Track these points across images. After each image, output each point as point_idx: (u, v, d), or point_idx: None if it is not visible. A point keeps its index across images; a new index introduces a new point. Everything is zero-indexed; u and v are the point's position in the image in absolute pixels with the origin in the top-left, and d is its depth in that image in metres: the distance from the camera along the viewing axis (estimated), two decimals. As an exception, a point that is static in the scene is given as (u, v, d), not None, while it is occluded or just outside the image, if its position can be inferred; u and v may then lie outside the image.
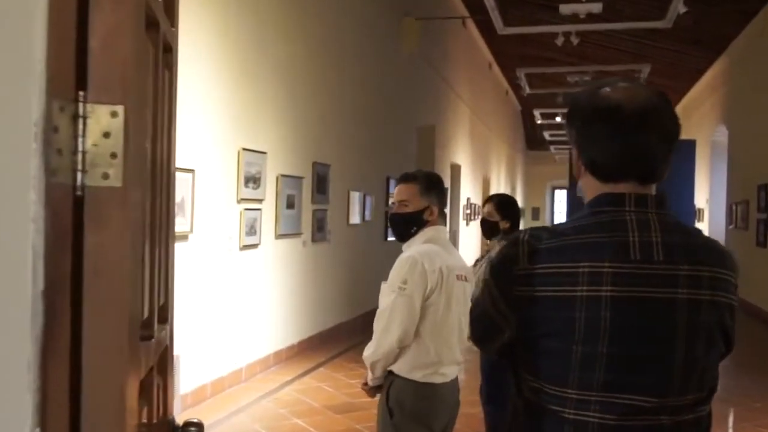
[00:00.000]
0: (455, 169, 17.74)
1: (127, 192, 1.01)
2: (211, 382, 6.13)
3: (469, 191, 19.60)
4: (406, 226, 3.03)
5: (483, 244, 4.74)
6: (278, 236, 7.36)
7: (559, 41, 12.25)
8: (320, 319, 8.54)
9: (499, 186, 26.24)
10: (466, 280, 2.99)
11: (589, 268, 1.34)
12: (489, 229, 4.28)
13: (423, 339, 2.86)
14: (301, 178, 7.87)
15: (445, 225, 3.15)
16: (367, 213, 10.19)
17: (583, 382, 1.34)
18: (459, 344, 2.97)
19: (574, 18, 11.06)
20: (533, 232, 1.42)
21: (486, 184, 23.12)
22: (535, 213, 36.35)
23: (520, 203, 21.90)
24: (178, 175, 5.49)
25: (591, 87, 1.48)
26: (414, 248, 2.92)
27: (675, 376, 1.36)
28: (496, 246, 4.19)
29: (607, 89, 1.43)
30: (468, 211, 19.41)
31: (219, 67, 6.16)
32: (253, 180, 6.74)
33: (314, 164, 8.27)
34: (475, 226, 20.98)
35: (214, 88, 6.08)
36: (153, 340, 1.28)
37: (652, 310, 1.34)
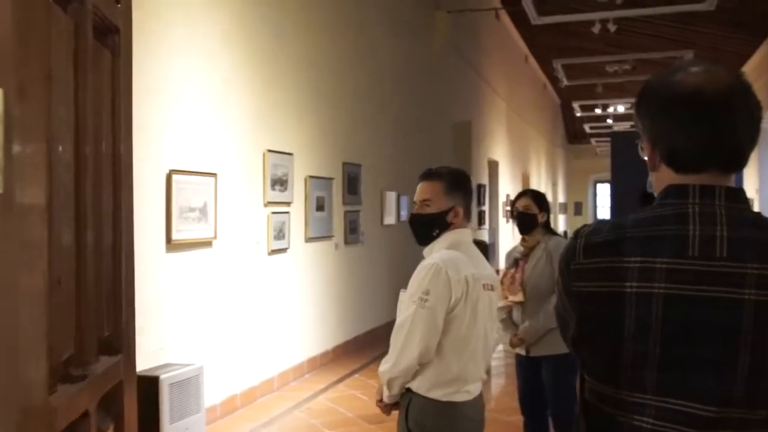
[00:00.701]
0: (493, 166, 17.39)
1: (12, 200, 0.77)
2: (242, 393, 5.94)
3: (508, 187, 19.21)
4: (428, 228, 2.77)
5: (521, 241, 4.39)
6: (308, 239, 7.15)
7: (596, 29, 11.84)
8: (356, 323, 8.31)
9: (539, 181, 25.77)
10: (492, 289, 2.72)
11: (640, 264, 1.29)
12: (528, 223, 4.05)
13: (445, 355, 2.60)
14: (330, 179, 7.65)
15: (470, 228, 2.87)
16: (402, 213, 9.94)
17: (635, 382, 1.29)
18: (485, 359, 2.70)
19: (610, 4, 10.65)
20: (597, 225, 1.39)
21: (525, 180, 22.68)
22: (578, 208, 35.71)
23: (561, 198, 21.81)
24: (200, 179, 5.32)
25: (662, 74, 1.40)
26: (437, 254, 2.66)
27: (739, 384, 1.23)
28: (541, 239, 4.01)
29: (681, 74, 1.35)
30: (507, 208, 19.01)
31: (240, 66, 5.97)
32: (279, 182, 6.54)
33: (344, 164, 8.05)
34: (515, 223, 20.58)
35: (236, 88, 5.89)
36: (86, 380, 1.04)
37: (711, 310, 1.24)
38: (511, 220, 4.70)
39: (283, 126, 6.65)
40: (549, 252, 3.96)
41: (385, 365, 2.66)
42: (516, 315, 4.03)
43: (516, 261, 4.13)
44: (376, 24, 9.18)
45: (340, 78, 7.96)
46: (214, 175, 5.50)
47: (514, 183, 20.43)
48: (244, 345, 5.98)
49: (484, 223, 15.40)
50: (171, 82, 5.05)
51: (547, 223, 4.08)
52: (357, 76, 8.46)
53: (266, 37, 6.38)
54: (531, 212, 4.05)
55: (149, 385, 4.37)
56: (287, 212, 6.69)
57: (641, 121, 1.40)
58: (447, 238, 2.72)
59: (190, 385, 4.60)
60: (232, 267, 5.80)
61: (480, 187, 15.35)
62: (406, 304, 2.60)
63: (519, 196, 4.22)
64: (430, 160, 11.08)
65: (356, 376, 7.09)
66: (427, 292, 2.56)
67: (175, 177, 5.03)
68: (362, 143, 8.61)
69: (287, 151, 6.67)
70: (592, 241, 1.36)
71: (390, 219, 9.49)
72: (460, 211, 2.72)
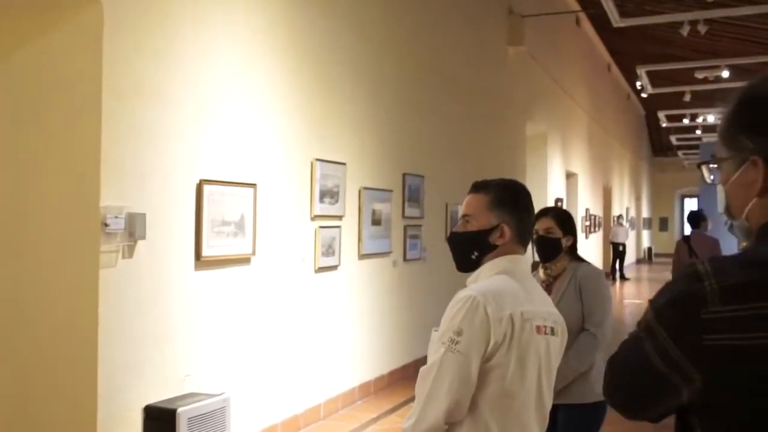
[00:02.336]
0: (572, 178, 16.57)
1: None
2: (283, 422, 5.46)
3: (587, 201, 18.31)
4: (465, 249, 2.22)
5: (542, 269, 3.75)
6: (362, 256, 6.64)
7: (685, 31, 10.96)
8: (415, 346, 7.73)
9: (622, 196, 24.66)
10: (552, 333, 2.13)
11: None
12: (550, 248, 3.47)
13: (481, 415, 2.02)
14: (389, 191, 7.13)
15: (525, 254, 2.28)
16: (469, 228, 9.32)
17: None
18: (538, 422, 2.11)
19: (699, 3, 9.80)
20: (714, 263, 1.15)
21: (607, 193, 21.68)
22: (663, 223, 34.21)
23: (646, 213, 20.72)
24: (236, 190, 4.88)
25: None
26: (476, 285, 2.11)
27: None
28: (567, 267, 3.44)
29: None
30: (587, 223, 18.12)
31: (288, 70, 5.52)
32: (329, 194, 6.06)
33: (405, 176, 7.52)
34: (596, 239, 19.66)
35: (282, 93, 5.44)
36: None
37: None
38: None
39: (335, 134, 6.17)
40: (577, 282, 3.40)
41: (407, 422, 2.11)
42: None
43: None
44: (443, 29, 8.64)
45: (401, 83, 7.44)
46: (253, 185, 5.05)
47: (595, 197, 19.49)
48: (286, 370, 5.50)
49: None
50: (205, 85, 4.63)
51: (573, 248, 3.52)
52: (421, 82, 7.93)
53: (318, 40, 5.93)
54: (554, 236, 3.47)
55: (165, 419, 3.93)
56: (338, 226, 6.20)
57: (743, 135, 1.20)
58: (495, 265, 2.16)
59: (213, 418, 4.13)
60: (272, 285, 5.33)
61: (557, 201, 14.57)
62: (435, 346, 2.05)
63: (539, 215, 3.58)
64: (501, 172, 10.45)
65: (413, 404, 6.51)
66: (458, 332, 1.99)
67: (206, 188, 4.60)
68: (425, 153, 8.07)
69: (339, 160, 6.18)
70: (730, 282, 1.12)
71: (455, 234, 8.90)
72: (509, 232, 2.15)
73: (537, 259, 3.56)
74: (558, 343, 2.16)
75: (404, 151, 7.50)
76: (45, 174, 4.02)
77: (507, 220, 2.16)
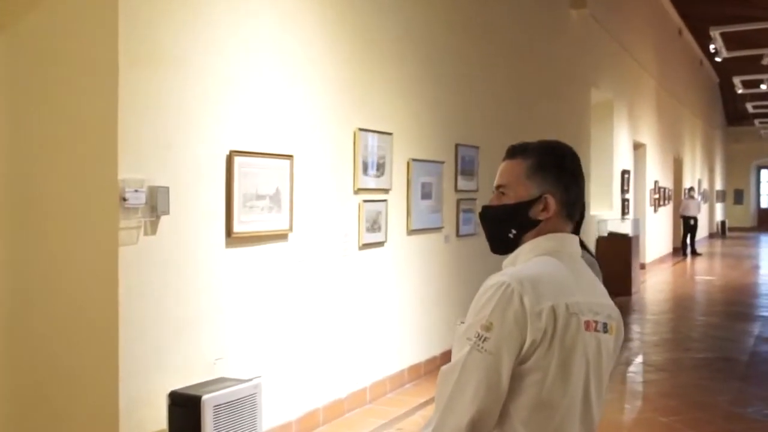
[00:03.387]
0: (639, 149, 15.82)
1: None
2: (324, 407, 5.18)
3: (656, 173, 17.51)
4: (500, 227, 1.83)
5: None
6: (411, 232, 6.28)
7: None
8: (469, 325, 7.36)
9: (693, 167, 23.62)
10: (604, 329, 1.74)
11: None
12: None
13: (513, 427, 1.66)
14: (440, 162, 6.74)
15: (575, 233, 1.88)
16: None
17: None
18: None
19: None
20: None
21: (678, 164, 20.75)
22: (738, 196, 32.79)
23: (719, 185, 19.71)
24: (271, 162, 4.57)
25: None
26: (511, 270, 1.74)
27: None
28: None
29: None
30: (656, 196, 17.34)
31: (327, 31, 5.16)
32: (374, 166, 5.71)
33: (457, 146, 7.11)
34: (666, 213, 18.82)
35: (321, 57, 5.09)
36: None
37: None
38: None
39: (380, 102, 5.80)
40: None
41: (425, 430, 1.77)
42: None
43: None
44: (498, -12, 8.14)
45: (455, 50, 7.00)
46: (289, 157, 4.74)
47: (664, 169, 18.65)
48: (328, 352, 5.21)
49: (627, 213, 13.95)
50: (234, 49, 4.31)
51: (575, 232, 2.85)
52: (476, 47, 7.47)
53: (361, 1, 5.54)
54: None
55: (190, 406, 3.68)
56: (384, 200, 5.85)
57: None
58: (537, 245, 1.78)
59: (243, 406, 3.87)
60: (312, 263, 5.03)
61: (624, 173, 13.90)
62: (460, 342, 1.69)
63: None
64: (564, 141, 9.90)
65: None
66: (487, 327, 1.63)
67: (237, 159, 4.30)
68: (480, 123, 7.62)
69: (385, 130, 5.82)
70: None
71: (513, 208, 8.44)
72: (552, 203, 1.77)
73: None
74: (612, 343, 1.77)
75: (457, 121, 7.08)
76: (59, 146, 3.77)
77: (551, 189, 1.77)
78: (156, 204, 3.76)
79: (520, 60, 8.79)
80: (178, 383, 3.90)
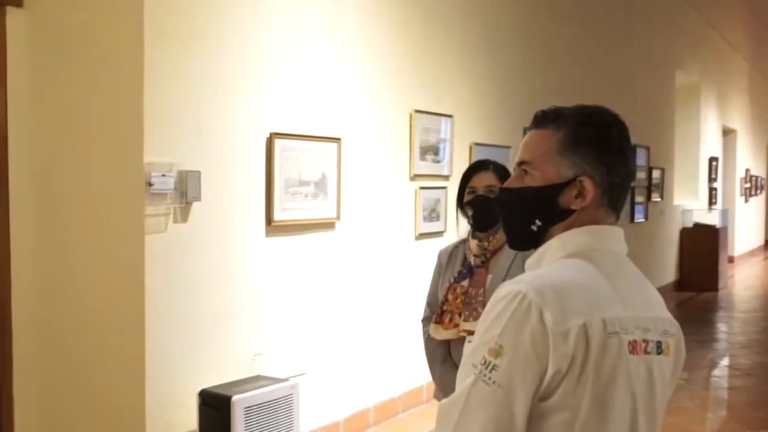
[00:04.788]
0: (729, 135, 14.90)
1: None
2: (376, 406, 4.88)
3: (747, 161, 16.49)
4: (521, 216, 1.45)
5: (472, 240, 2.66)
6: (473, 221, 5.88)
7: None
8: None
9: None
10: (658, 350, 1.34)
11: None
12: (492, 212, 2.52)
13: None
14: (506, 147, 6.31)
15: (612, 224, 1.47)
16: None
17: None
18: None
19: None
20: None
21: (772, 152, 19.55)
22: (838, 185, 30.80)
23: (818, 175, 17.66)
24: (316, 146, 4.27)
25: None
26: (529, 276, 1.35)
27: None
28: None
29: None
30: (747, 185, 16.34)
31: (382, 6, 4.82)
32: (432, 151, 5.35)
33: (525, 130, 6.63)
34: (757, 203, 17.74)
35: (373, 34, 4.75)
36: None
37: None
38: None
39: (439, 82, 5.42)
40: (524, 259, 2.48)
41: None
42: (460, 352, 2.58)
43: (470, 269, 2.68)
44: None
45: (524, 25, 6.54)
46: (336, 140, 4.42)
47: (757, 156, 17.58)
48: (379, 348, 4.89)
49: (715, 203, 13.13)
50: (274, 25, 4.02)
51: None
52: (547, 26, 6.98)
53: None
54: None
55: (220, 406, 3.42)
56: (443, 187, 5.48)
57: None
58: (568, 241, 1.39)
59: (277, 407, 3.58)
60: (362, 253, 4.71)
61: (712, 160, 13.09)
62: (464, 368, 1.31)
63: (475, 169, 2.75)
64: (646, 126, 9.32)
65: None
66: (497, 352, 1.24)
67: (278, 142, 4.01)
68: (553, 104, 7.12)
69: (444, 112, 5.44)
70: None
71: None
72: (591, 188, 1.37)
73: (464, 226, 2.74)
74: (669, 366, 1.37)
75: (525, 102, 6.61)
76: (82, 127, 3.55)
77: (589, 170, 1.37)
78: (186, 189, 3.51)
79: (597, 39, 8.23)
80: (213, 381, 3.65)
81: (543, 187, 1.39)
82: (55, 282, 3.63)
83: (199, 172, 3.56)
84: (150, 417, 3.41)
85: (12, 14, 3.51)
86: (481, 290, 2.60)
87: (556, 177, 1.38)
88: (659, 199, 10.44)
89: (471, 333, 2.54)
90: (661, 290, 10.24)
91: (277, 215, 4.03)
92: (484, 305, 2.50)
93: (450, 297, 2.65)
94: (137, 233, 3.38)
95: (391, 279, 4.99)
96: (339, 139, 4.44)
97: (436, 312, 2.70)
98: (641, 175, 9.66)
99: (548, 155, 1.39)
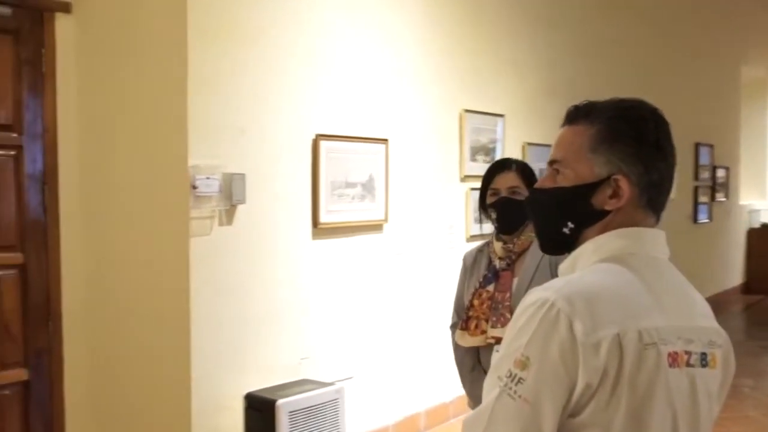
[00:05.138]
0: (799, 132, 14.29)
1: None
2: (427, 411, 4.80)
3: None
4: (552, 218, 1.36)
5: (497, 243, 2.63)
6: (526, 222, 5.76)
7: None
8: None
9: None
10: (703, 363, 1.24)
11: None
12: (516, 215, 2.51)
13: None
14: (560, 147, 6.16)
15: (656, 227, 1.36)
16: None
17: None
18: None
19: None
20: None
21: None
22: None
23: None
24: (363, 147, 4.22)
25: None
26: (562, 280, 1.27)
27: None
28: (534, 238, 2.45)
29: None
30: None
31: (432, 4, 4.74)
32: (483, 151, 5.25)
33: (580, 129, 6.48)
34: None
35: (421, 32, 4.68)
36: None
37: None
38: (481, 213, 2.71)
39: (490, 81, 5.31)
40: (551, 263, 2.47)
41: None
42: (490, 360, 2.49)
43: (495, 273, 2.57)
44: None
45: (577, 18, 6.38)
46: (384, 141, 4.37)
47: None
48: (430, 352, 4.81)
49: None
50: (318, 24, 3.98)
51: None
52: (604, 15, 6.80)
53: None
54: (520, 197, 2.50)
55: (265, 410, 3.40)
56: (495, 188, 5.36)
57: None
58: (603, 245, 1.29)
59: (322, 411, 3.54)
60: (410, 256, 4.64)
61: (780, 158, 12.58)
62: (490, 380, 1.23)
63: (497, 169, 2.63)
64: (708, 124, 9.02)
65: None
66: (523, 364, 1.16)
67: (324, 144, 3.98)
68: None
69: (495, 111, 5.34)
70: None
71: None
72: (626, 187, 1.27)
73: (488, 227, 2.68)
74: (716, 379, 1.27)
75: (580, 100, 6.44)
76: (127, 130, 3.58)
77: (625, 167, 1.27)
78: (231, 192, 3.50)
79: (656, 33, 7.99)
80: (259, 384, 3.64)
81: (575, 187, 1.31)
82: (103, 284, 3.67)
83: (243, 175, 3.55)
84: (195, 419, 3.41)
85: (61, 20, 3.56)
86: (507, 294, 2.51)
87: (590, 176, 1.29)
88: (724, 199, 10.10)
89: (499, 340, 2.47)
90: (727, 293, 9.95)
91: (324, 217, 4.00)
92: (511, 310, 2.42)
93: (476, 302, 2.58)
94: (182, 236, 3.38)
95: (440, 282, 4.90)
96: (386, 140, 4.39)
97: (462, 318, 2.62)
98: (705, 174, 9.35)
99: (580, 153, 1.30)
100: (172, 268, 3.42)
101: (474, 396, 2.65)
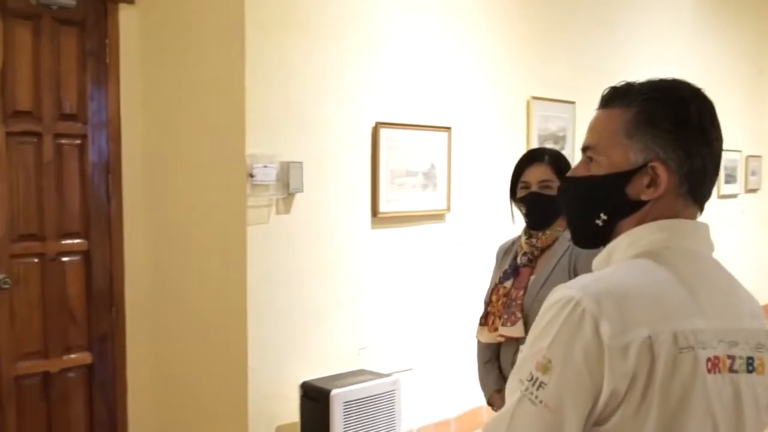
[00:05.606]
0: None
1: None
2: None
3: None
4: (585, 209, 1.26)
5: (523, 241, 2.53)
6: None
7: None
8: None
9: None
10: (749, 368, 1.13)
11: None
12: (547, 211, 2.40)
13: None
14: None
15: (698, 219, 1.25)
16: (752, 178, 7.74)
17: None
18: None
19: None
20: None
21: None
22: None
23: None
24: (424, 135, 4.16)
25: None
26: (588, 277, 1.17)
27: None
28: (561, 235, 2.43)
29: None
30: None
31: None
32: (552, 139, 5.09)
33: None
34: None
35: (484, 16, 4.56)
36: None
37: None
38: (512, 204, 2.53)
39: (559, 67, 5.14)
40: (573, 259, 2.35)
41: None
42: (506, 357, 2.45)
43: (515, 269, 2.44)
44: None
45: (654, 10, 6.13)
46: (447, 129, 4.29)
47: None
48: (494, 345, 4.72)
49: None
50: (377, 11, 3.92)
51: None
52: (685, 5, 6.51)
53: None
54: (551, 192, 2.36)
55: (320, 400, 3.39)
56: (564, 177, 5.21)
57: None
58: (639, 238, 1.19)
59: (378, 403, 3.51)
60: (474, 246, 4.54)
61: None
62: (512, 383, 1.15)
63: (529, 159, 2.49)
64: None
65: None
66: (545, 367, 1.08)
67: (384, 132, 3.93)
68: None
69: (565, 98, 5.17)
70: None
71: (732, 188, 7.37)
72: (665, 175, 1.17)
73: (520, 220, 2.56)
74: (765, 387, 1.15)
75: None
76: (187, 119, 3.61)
77: (663, 153, 1.16)
78: (288, 181, 3.49)
79: (742, 15, 7.60)
80: (317, 374, 3.63)
81: (609, 175, 1.20)
82: (164, 271, 3.73)
83: (301, 163, 3.53)
84: (252, 407, 3.43)
85: (124, 11, 3.61)
86: (521, 292, 2.40)
87: (624, 163, 1.19)
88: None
89: (509, 339, 2.38)
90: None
91: (383, 207, 3.95)
92: (522, 309, 2.32)
93: (493, 298, 2.50)
94: (239, 224, 3.39)
95: (506, 273, 4.80)
96: (449, 128, 4.30)
97: (482, 313, 2.55)
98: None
99: (615, 138, 1.20)
100: (230, 257, 3.44)
101: (485, 387, 2.64)
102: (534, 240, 2.46)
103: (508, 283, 2.47)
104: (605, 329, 1.05)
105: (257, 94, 3.38)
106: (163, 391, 3.76)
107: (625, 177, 1.19)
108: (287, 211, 3.54)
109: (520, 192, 2.50)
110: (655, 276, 1.13)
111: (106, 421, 3.59)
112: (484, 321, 2.53)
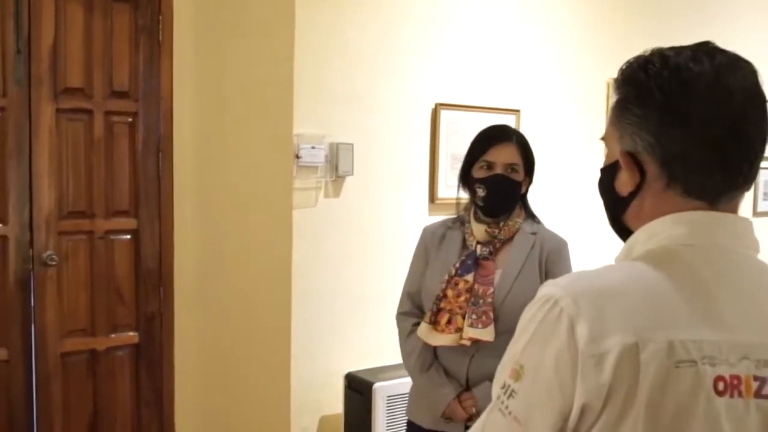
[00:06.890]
0: None
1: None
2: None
3: None
4: (605, 205, 1.16)
5: (477, 229, 2.27)
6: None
7: None
8: None
9: None
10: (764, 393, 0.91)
11: None
12: (509, 196, 2.21)
13: None
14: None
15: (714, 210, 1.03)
16: None
17: None
18: None
19: None
20: None
21: None
22: None
23: None
24: (490, 118, 3.90)
25: None
26: (573, 275, 1.02)
27: None
28: (522, 226, 2.30)
29: None
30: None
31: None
32: (634, 124, 4.76)
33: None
34: None
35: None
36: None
37: None
38: (461, 185, 2.38)
39: (641, 46, 4.77)
40: (543, 255, 2.17)
41: None
42: (461, 364, 2.19)
43: (475, 260, 2.16)
44: None
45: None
46: (515, 112, 4.05)
47: None
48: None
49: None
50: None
51: (524, 197, 2.34)
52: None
53: None
54: (516, 177, 2.18)
55: (363, 392, 3.26)
56: (647, 166, 4.87)
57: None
58: (655, 233, 1.02)
59: (425, 398, 3.34)
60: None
61: None
62: (492, 392, 1.01)
63: (494, 139, 2.23)
64: None
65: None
66: (517, 374, 0.94)
67: (444, 114, 3.73)
68: None
69: (651, 81, 4.81)
70: None
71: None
72: (631, 164, 1.06)
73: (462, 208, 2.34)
74: None
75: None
76: (237, 97, 3.52)
77: (631, 142, 1.02)
78: (338, 163, 3.35)
79: None
80: (363, 365, 3.49)
81: (602, 169, 1.11)
82: (213, 252, 3.68)
83: (351, 145, 3.39)
84: (296, 394, 3.33)
85: (178, -12, 3.56)
86: (491, 290, 2.13)
87: (612, 155, 1.08)
88: None
89: (477, 342, 2.11)
90: None
91: (442, 192, 3.76)
92: (494, 309, 2.08)
93: (449, 293, 2.19)
94: (286, 207, 3.29)
95: (577, 261, 4.52)
96: (518, 111, 4.06)
97: (431, 310, 2.24)
98: None
99: (608, 127, 1.10)
100: (276, 240, 3.34)
101: (441, 396, 2.23)
102: (496, 230, 2.22)
103: (469, 277, 2.20)
104: (581, 332, 0.90)
105: (307, 72, 3.25)
106: (209, 373, 3.72)
107: (611, 170, 1.07)
108: (336, 194, 3.41)
109: (478, 171, 2.25)
110: (658, 276, 0.95)
111: (152, 402, 3.57)
112: (435, 319, 2.23)
